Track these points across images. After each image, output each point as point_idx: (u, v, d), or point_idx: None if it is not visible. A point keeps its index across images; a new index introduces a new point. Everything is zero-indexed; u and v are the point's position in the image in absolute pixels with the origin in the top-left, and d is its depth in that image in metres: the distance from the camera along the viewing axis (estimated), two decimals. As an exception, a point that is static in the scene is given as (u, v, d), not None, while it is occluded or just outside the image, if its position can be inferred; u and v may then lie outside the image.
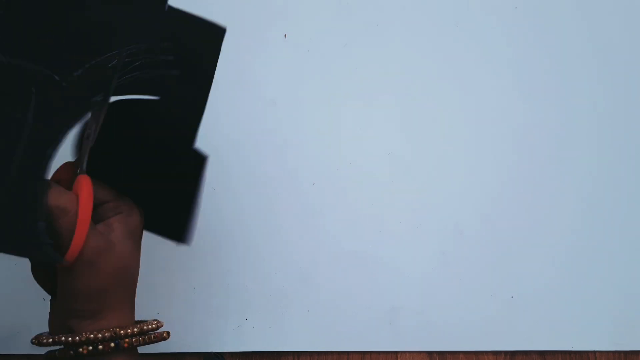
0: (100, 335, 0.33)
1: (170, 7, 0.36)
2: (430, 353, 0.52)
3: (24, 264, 0.49)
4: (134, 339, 0.34)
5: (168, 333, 0.37)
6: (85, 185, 0.34)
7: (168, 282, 0.51)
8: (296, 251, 0.52)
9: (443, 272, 0.52)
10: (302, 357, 0.51)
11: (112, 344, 0.34)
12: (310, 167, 0.53)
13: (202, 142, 0.53)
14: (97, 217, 0.36)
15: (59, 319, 0.35)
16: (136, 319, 0.38)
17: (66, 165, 0.36)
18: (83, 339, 0.33)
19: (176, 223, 0.39)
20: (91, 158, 0.35)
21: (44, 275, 0.37)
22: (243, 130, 0.53)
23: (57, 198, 0.32)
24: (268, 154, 0.53)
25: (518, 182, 0.54)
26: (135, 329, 0.35)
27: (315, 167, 0.53)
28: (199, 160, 0.39)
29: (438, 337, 0.52)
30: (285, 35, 0.54)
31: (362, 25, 0.55)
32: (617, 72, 0.55)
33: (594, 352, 0.52)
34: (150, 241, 0.50)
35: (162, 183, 0.38)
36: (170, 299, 0.50)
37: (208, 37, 0.38)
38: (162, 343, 0.37)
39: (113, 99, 0.37)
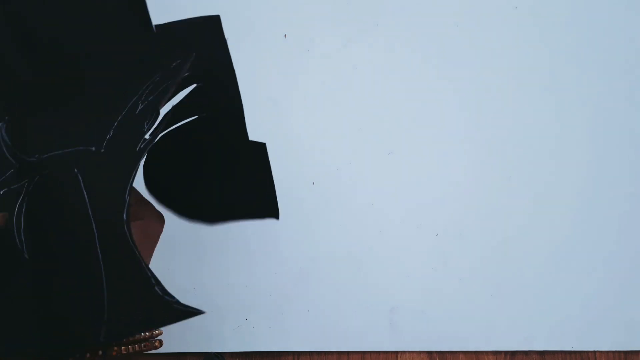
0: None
1: (157, 27, 0.36)
2: (430, 353, 0.52)
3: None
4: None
5: (160, 343, 0.37)
6: None
7: (168, 282, 0.51)
8: (296, 251, 0.52)
9: (443, 272, 0.52)
10: (302, 357, 0.51)
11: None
12: (310, 167, 0.53)
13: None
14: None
15: None
16: None
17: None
18: None
19: (265, 204, 0.44)
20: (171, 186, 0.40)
21: None
22: (243, 130, 0.53)
23: None
24: (268, 153, 0.53)
25: (518, 183, 0.54)
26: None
27: (315, 167, 0.53)
28: (260, 147, 0.43)
29: (438, 337, 0.52)
30: (285, 35, 0.54)
31: (362, 25, 0.55)
32: (616, 71, 0.55)
33: (594, 352, 0.52)
34: (150, 241, 0.50)
35: (242, 178, 0.43)
36: (170, 299, 0.50)
37: (206, 31, 0.39)
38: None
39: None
